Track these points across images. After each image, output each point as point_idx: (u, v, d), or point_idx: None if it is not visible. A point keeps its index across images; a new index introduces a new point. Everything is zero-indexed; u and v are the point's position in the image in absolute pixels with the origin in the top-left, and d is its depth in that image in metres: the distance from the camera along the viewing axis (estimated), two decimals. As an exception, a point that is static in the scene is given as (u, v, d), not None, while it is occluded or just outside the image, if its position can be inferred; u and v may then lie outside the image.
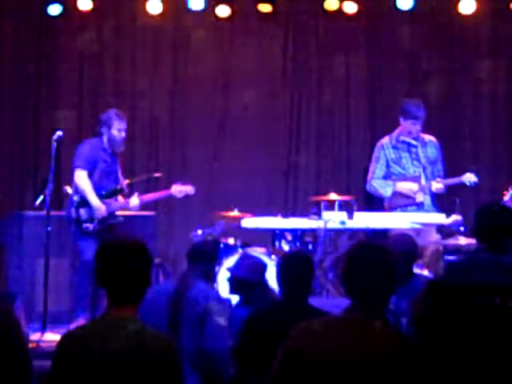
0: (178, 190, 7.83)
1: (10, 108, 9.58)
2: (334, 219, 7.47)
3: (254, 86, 9.75)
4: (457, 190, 7.87)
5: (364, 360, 3.13)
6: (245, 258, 6.17)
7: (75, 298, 7.68)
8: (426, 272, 6.81)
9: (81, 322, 7.14)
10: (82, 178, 7.50)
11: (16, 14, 9.48)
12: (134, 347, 3.28)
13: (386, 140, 7.92)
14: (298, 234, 7.89)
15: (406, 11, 9.42)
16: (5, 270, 8.17)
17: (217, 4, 9.48)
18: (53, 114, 9.56)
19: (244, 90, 9.73)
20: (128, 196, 7.73)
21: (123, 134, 7.64)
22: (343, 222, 7.48)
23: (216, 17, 9.54)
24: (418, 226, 7.48)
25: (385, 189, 7.83)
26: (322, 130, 9.84)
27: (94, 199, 7.47)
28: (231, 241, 8.00)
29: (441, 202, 8.01)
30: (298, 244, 7.87)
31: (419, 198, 7.77)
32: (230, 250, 7.85)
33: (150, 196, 7.88)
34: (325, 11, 9.51)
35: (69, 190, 7.68)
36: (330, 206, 7.73)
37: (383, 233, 7.47)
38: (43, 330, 7.00)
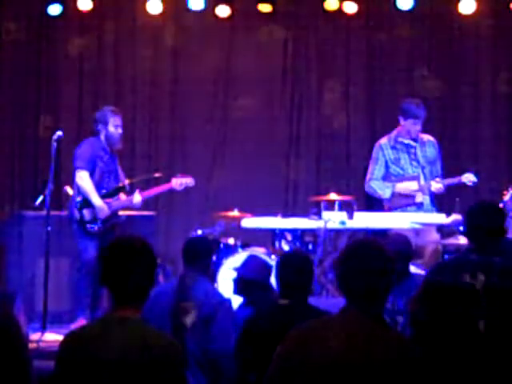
0: (179, 182, 7.80)
1: (10, 108, 9.58)
2: (334, 219, 7.47)
3: (254, 86, 9.75)
4: (457, 190, 7.87)
5: (364, 361, 3.12)
6: (252, 258, 6.17)
7: (75, 298, 7.68)
8: (423, 272, 6.81)
9: (81, 321, 7.15)
10: (83, 178, 7.50)
11: (16, 14, 9.49)
12: (137, 348, 3.28)
13: (384, 141, 7.92)
14: (298, 234, 7.89)
15: (406, 11, 9.42)
16: (5, 270, 8.17)
17: (217, 4, 9.49)
18: (53, 114, 9.57)
19: (244, 90, 9.73)
20: (130, 194, 7.73)
21: (120, 130, 7.63)
22: (343, 222, 7.48)
23: (216, 17, 9.54)
24: (417, 226, 7.48)
25: (384, 190, 7.82)
26: (322, 129, 9.84)
27: (96, 200, 7.47)
28: (231, 241, 8.00)
29: (441, 202, 8.01)
30: (297, 244, 7.87)
31: (419, 198, 7.77)
32: (229, 250, 7.85)
33: (150, 191, 7.86)
34: (325, 11, 9.51)
35: (69, 190, 7.68)
36: (330, 205, 7.73)
37: (383, 233, 7.46)
38: (43, 329, 7.00)
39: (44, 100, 9.65)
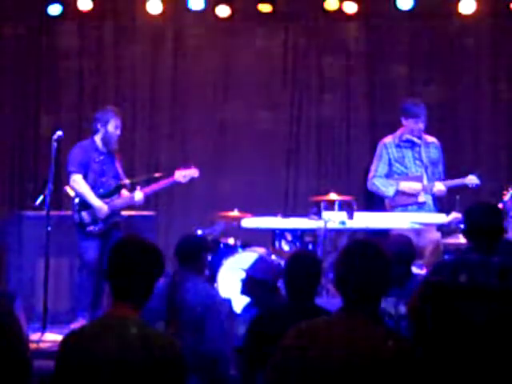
0: (182, 175, 7.78)
1: (10, 108, 9.58)
2: (334, 219, 7.47)
3: (254, 86, 9.75)
4: (457, 189, 7.87)
5: (361, 360, 3.13)
6: (262, 260, 6.16)
7: (75, 298, 7.68)
8: (424, 271, 6.81)
9: (81, 322, 7.14)
10: (77, 181, 7.52)
11: (16, 14, 9.48)
12: (138, 347, 3.28)
13: (389, 139, 7.92)
14: (297, 234, 7.89)
15: (406, 11, 9.42)
16: (5, 270, 8.17)
17: (217, 4, 9.48)
18: (53, 114, 9.57)
19: (244, 90, 9.73)
20: (131, 192, 7.72)
21: (118, 132, 7.64)
22: (343, 222, 7.47)
23: (216, 17, 9.54)
24: (417, 226, 7.48)
25: (387, 188, 7.81)
26: (322, 129, 9.84)
27: (93, 200, 7.48)
28: (231, 241, 8.00)
29: (441, 200, 8.00)
30: (297, 244, 7.87)
31: (421, 197, 7.77)
32: (229, 250, 7.85)
33: (153, 187, 7.83)
34: (325, 11, 9.51)
35: (69, 190, 7.68)
36: (330, 205, 7.73)
37: (383, 233, 7.46)
38: (43, 329, 7.00)
39: (44, 100, 9.64)
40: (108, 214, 7.51)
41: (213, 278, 7.61)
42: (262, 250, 7.68)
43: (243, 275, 6.00)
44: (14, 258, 8.13)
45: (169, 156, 9.73)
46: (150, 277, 3.44)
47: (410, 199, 7.78)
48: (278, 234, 7.92)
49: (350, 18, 9.57)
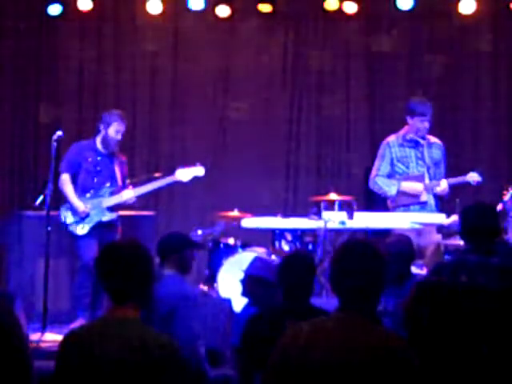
0: (184, 173, 7.70)
1: (10, 108, 9.58)
2: (333, 219, 7.47)
3: (254, 86, 9.75)
4: (457, 190, 7.87)
5: (358, 360, 3.12)
6: (259, 259, 6.14)
7: (75, 298, 7.68)
8: (424, 272, 6.81)
9: (81, 322, 7.14)
10: (63, 181, 7.58)
11: (16, 14, 9.48)
12: (136, 348, 3.28)
13: (392, 138, 7.90)
14: (297, 234, 7.89)
15: (406, 11, 9.42)
16: (5, 270, 8.17)
17: (217, 4, 9.48)
18: (53, 114, 9.57)
19: (244, 90, 9.73)
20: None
21: (119, 137, 7.63)
22: (343, 222, 7.48)
23: (216, 17, 9.54)
24: (418, 226, 7.47)
25: (390, 187, 7.80)
26: (321, 129, 9.84)
27: (73, 199, 7.50)
28: (231, 241, 8.00)
29: (442, 202, 7.99)
30: (297, 244, 7.87)
31: (423, 197, 7.76)
32: (229, 250, 7.85)
33: (149, 186, 7.77)
34: (325, 11, 9.51)
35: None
36: (330, 206, 7.73)
37: (383, 233, 7.46)
38: (43, 329, 7.00)
39: (44, 100, 9.64)
40: (87, 212, 7.48)
41: (213, 278, 7.61)
42: (261, 250, 7.68)
43: (242, 276, 5.99)
44: (14, 258, 8.13)
45: (169, 156, 9.73)
46: (147, 277, 3.44)
47: (411, 199, 7.77)
48: (277, 234, 7.92)
49: (349, 17, 9.57)
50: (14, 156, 9.61)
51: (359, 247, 3.31)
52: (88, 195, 7.56)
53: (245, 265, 6.33)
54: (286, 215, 8.02)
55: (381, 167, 7.88)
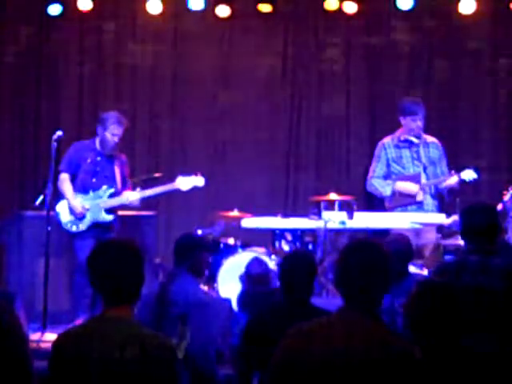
0: (184, 182, 7.70)
1: (10, 108, 9.58)
2: (334, 219, 7.47)
3: (254, 86, 9.75)
4: (457, 190, 7.86)
5: (362, 360, 3.13)
6: (255, 259, 6.11)
7: (75, 298, 7.68)
8: (425, 272, 6.81)
9: (80, 321, 7.14)
10: (61, 181, 7.57)
11: (16, 14, 9.48)
12: (132, 348, 3.27)
13: (387, 139, 7.92)
14: (298, 234, 7.89)
15: (406, 11, 9.42)
16: (5, 270, 8.17)
17: (217, 4, 9.49)
18: (53, 114, 9.57)
19: (244, 90, 9.73)
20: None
21: (116, 139, 7.60)
22: (343, 222, 7.48)
23: (216, 17, 9.54)
24: (418, 226, 7.47)
25: (384, 188, 7.82)
26: (321, 129, 9.84)
27: (70, 199, 7.49)
28: (231, 241, 8.00)
29: (442, 203, 7.98)
30: (297, 244, 7.87)
31: (419, 197, 7.76)
32: (229, 250, 7.85)
33: (150, 191, 7.77)
34: (325, 11, 9.51)
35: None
36: (330, 205, 7.73)
37: (383, 233, 7.46)
38: (43, 329, 7.00)
39: (44, 100, 9.64)
40: (83, 213, 7.47)
41: (213, 278, 7.61)
42: (261, 250, 7.69)
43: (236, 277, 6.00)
44: (14, 257, 8.13)
45: (169, 156, 9.73)
46: (138, 276, 3.43)
47: (407, 200, 7.76)
48: (277, 234, 7.92)
49: (350, 17, 9.57)
50: (14, 156, 9.61)
51: (364, 247, 3.32)
52: (87, 195, 7.55)
53: (244, 265, 6.34)
54: (285, 215, 8.02)
55: (376, 168, 7.89)
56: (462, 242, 7.16)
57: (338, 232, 7.82)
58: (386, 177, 7.87)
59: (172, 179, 7.79)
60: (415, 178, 7.77)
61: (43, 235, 7.28)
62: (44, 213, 7.39)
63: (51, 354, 3.42)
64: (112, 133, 7.57)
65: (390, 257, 3.33)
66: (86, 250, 7.32)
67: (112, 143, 7.59)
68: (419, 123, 7.76)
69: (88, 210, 7.49)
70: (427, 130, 8.01)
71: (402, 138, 7.83)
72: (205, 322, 5.01)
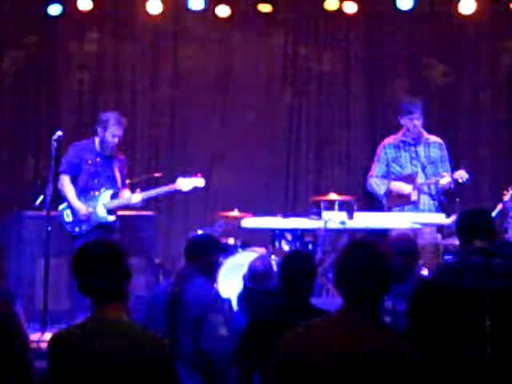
0: (185, 183, 7.70)
1: (10, 108, 9.58)
2: (334, 219, 7.47)
3: (254, 86, 9.75)
4: (457, 190, 7.85)
5: (361, 360, 3.13)
6: (260, 257, 6.10)
7: (75, 298, 7.67)
8: (425, 272, 6.80)
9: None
10: (62, 182, 7.53)
11: (16, 14, 9.48)
12: (128, 348, 3.27)
13: (389, 140, 7.91)
14: (298, 234, 7.88)
15: (406, 11, 9.42)
16: (5, 270, 8.16)
17: (217, 4, 9.49)
18: (53, 114, 9.57)
19: (244, 90, 9.74)
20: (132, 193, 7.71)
21: (116, 140, 7.57)
22: (343, 222, 7.47)
23: (216, 17, 9.54)
24: (417, 226, 7.46)
25: (379, 187, 7.83)
26: (321, 129, 9.84)
27: (74, 201, 7.47)
28: (231, 241, 8.00)
29: (442, 203, 7.97)
30: (297, 244, 7.86)
31: (413, 196, 7.73)
32: (229, 250, 7.85)
33: (152, 192, 7.77)
34: (325, 11, 9.51)
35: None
36: (330, 206, 7.73)
37: (383, 233, 7.46)
38: (43, 329, 7.00)
39: (44, 100, 9.64)
40: (87, 215, 7.47)
41: (213, 278, 7.60)
42: (261, 250, 7.69)
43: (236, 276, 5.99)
44: (14, 257, 8.13)
45: (169, 156, 9.74)
46: (125, 272, 3.43)
47: (402, 200, 7.75)
48: (277, 234, 7.92)
49: (349, 18, 9.57)
50: (14, 156, 9.61)
51: (364, 247, 3.31)
52: (88, 196, 7.55)
53: (245, 265, 6.33)
54: (285, 215, 8.02)
55: (376, 168, 7.90)
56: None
57: (337, 232, 7.81)
58: (386, 177, 7.87)
59: (172, 180, 7.78)
60: (411, 178, 7.75)
61: (43, 235, 7.27)
62: (44, 213, 7.39)
63: (47, 355, 3.41)
64: (112, 134, 7.55)
65: (391, 257, 3.32)
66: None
67: (112, 144, 7.57)
68: (416, 122, 7.74)
69: (91, 211, 7.48)
70: (427, 129, 7.99)
71: (402, 138, 7.84)
72: (220, 322, 5.01)
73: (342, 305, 3.28)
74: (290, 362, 3.23)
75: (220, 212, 8.29)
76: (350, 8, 9.47)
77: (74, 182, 7.60)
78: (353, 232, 7.90)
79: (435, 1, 9.63)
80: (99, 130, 7.59)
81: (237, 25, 9.70)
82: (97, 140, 7.64)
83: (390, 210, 7.80)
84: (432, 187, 7.82)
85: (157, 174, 8.35)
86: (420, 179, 7.74)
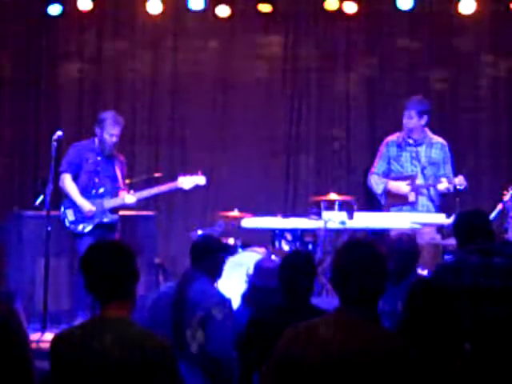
0: (186, 181, 7.70)
1: (10, 108, 9.58)
2: (334, 219, 7.47)
3: (254, 86, 9.75)
4: (450, 194, 7.84)
5: (358, 361, 3.13)
6: (261, 266, 6.09)
7: (75, 298, 7.68)
8: (425, 272, 6.80)
9: (80, 321, 7.14)
10: (64, 181, 7.55)
11: (16, 14, 9.49)
12: (129, 348, 3.27)
13: (392, 137, 7.90)
14: (298, 234, 7.88)
15: (406, 11, 9.42)
16: (5, 270, 8.17)
17: (217, 4, 9.49)
18: (53, 114, 9.57)
19: (244, 90, 9.74)
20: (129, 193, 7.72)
21: (114, 139, 7.59)
22: (343, 222, 7.47)
23: (216, 17, 9.54)
24: (417, 226, 7.46)
25: (378, 186, 7.84)
26: (321, 129, 9.84)
27: (78, 199, 7.48)
28: (231, 241, 8.00)
29: (442, 202, 7.97)
30: (298, 244, 7.87)
31: (411, 197, 7.73)
32: (230, 250, 7.85)
33: (152, 190, 7.77)
34: (325, 11, 9.51)
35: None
36: (330, 206, 7.73)
37: (383, 233, 7.46)
38: (43, 329, 7.00)
39: (44, 100, 9.64)
40: (93, 213, 7.48)
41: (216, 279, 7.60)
42: (261, 250, 7.69)
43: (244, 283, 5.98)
44: (14, 257, 8.13)
45: (169, 156, 9.73)
46: (133, 273, 3.43)
47: (399, 200, 7.75)
48: (278, 234, 7.92)
49: (349, 17, 9.58)
50: (14, 156, 9.61)
51: (361, 247, 3.31)
52: (89, 196, 7.55)
53: (244, 265, 6.34)
54: (285, 215, 8.02)
55: (377, 165, 7.91)
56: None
57: (338, 232, 7.82)
58: (387, 174, 7.87)
59: (172, 179, 7.79)
60: (410, 179, 7.74)
61: (43, 235, 7.27)
62: (44, 213, 7.39)
63: (49, 355, 3.41)
64: (110, 133, 7.56)
65: (387, 257, 3.32)
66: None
67: (110, 143, 7.58)
68: (405, 121, 7.74)
69: (95, 209, 7.49)
70: (430, 129, 7.98)
71: (405, 137, 7.82)
72: (226, 323, 5.02)
73: (339, 304, 3.28)
74: (288, 361, 3.23)
75: (220, 212, 8.29)
76: (350, 8, 9.47)
77: (74, 181, 7.61)
78: (353, 232, 7.90)
79: (435, 1, 9.63)
80: (97, 130, 7.62)
81: (237, 25, 9.70)
82: (96, 140, 7.66)
83: (388, 209, 7.80)
84: (431, 189, 7.81)
85: (157, 174, 8.36)
86: (418, 181, 7.74)
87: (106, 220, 7.54)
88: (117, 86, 9.76)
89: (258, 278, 5.85)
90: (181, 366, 3.52)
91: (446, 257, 7.27)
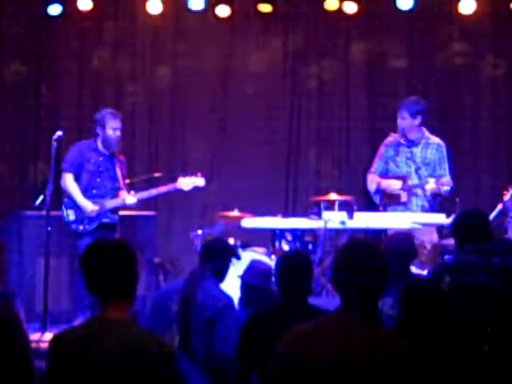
0: (185, 182, 7.71)
1: (10, 108, 9.59)
2: (334, 219, 7.47)
3: (254, 86, 9.75)
4: (456, 191, 7.85)
5: (358, 361, 3.13)
6: (252, 265, 6.11)
7: (75, 298, 7.68)
8: (425, 272, 6.81)
9: (80, 321, 7.14)
10: (65, 180, 7.55)
11: (16, 14, 9.49)
12: (126, 347, 3.26)
13: (391, 138, 7.90)
14: (298, 234, 7.88)
15: (406, 11, 9.42)
16: (5, 270, 8.17)
17: (217, 4, 9.48)
18: (53, 114, 9.57)
19: (244, 90, 9.74)
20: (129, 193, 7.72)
21: (118, 133, 7.61)
22: (343, 222, 7.47)
23: (216, 17, 9.54)
24: (417, 226, 7.45)
25: (372, 184, 7.84)
26: (321, 129, 9.84)
27: (80, 199, 7.48)
28: (231, 241, 7.99)
29: (441, 202, 7.97)
30: (297, 244, 7.87)
31: (403, 197, 7.72)
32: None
33: (152, 191, 7.77)
34: (325, 11, 9.51)
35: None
36: (330, 206, 7.72)
37: (383, 233, 7.46)
38: (43, 330, 7.00)
39: (44, 100, 9.64)
40: (95, 213, 7.48)
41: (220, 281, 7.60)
42: (261, 250, 7.69)
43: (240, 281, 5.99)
44: (14, 257, 8.13)
45: (169, 156, 9.74)
46: (133, 273, 3.43)
47: (392, 200, 7.74)
48: (278, 234, 7.92)
49: (349, 17, 9.57)
50: (14, 156, 9.61)
51: (361, 247, 3.31)
52: (91, 195, 7.55)
53: (245, 265, 6.33)
54: (285, 215, 8.02)
55: (375, 165, 7.91)
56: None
57: (338, 232, 7.82)
58: (385, 174, 7.87)
59: (172, 179, 7.79)
60: (403, 179, 7.73)
61: (43, 235, 7.28)
62: (44, 213, 7.39)
63: (48, 355, 3.41)
64: (112, 127, 7.57)
65: (388, 256, 3.32)
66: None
67: (115, 137, 7.59)
68: (399, 121, 7.74)
69: (98, 208, 7.50)
70: (428, 129, 7.98)
71: (402, 137, 7.83)
72: (232, 324, 5.03)
73: (339, 305, 3.28)
74: (287, 361, 3.23)
75: (220, 212, 8.29)
76: (350, 8, 9.47)
77: (76, 181, 7.61)
78: (353, 232, 7.90)
79: (435, 1, 9.62)
80: (98, 129, 7.61)
81: (237, 25, 9.70)
82: (99, 140, 7.66)
83: (385, 209, 7.80)
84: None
85: (157, 174, 8.35)
86: (414, 180, 7.72)
87: (106, 220, 7.54)
88: (116, 86, 9.76)
89: (249, 276, 5.87)
90: (184, 365, 3.52)
91: (446, 257, 7.27)
